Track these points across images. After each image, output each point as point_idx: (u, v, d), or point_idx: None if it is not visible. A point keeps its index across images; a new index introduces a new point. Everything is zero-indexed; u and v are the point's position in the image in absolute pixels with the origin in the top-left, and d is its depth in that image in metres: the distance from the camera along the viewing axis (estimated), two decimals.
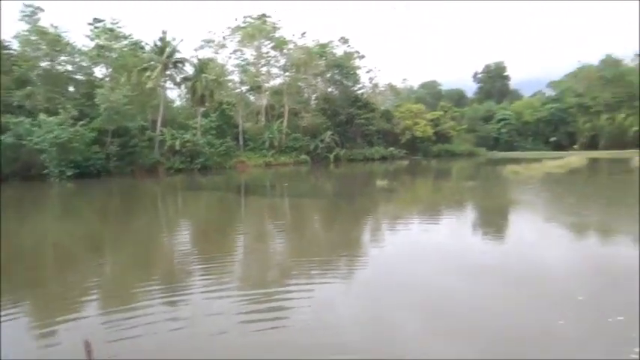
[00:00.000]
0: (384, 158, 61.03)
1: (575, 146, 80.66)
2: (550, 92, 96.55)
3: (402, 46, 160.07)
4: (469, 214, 16.14)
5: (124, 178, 33.86)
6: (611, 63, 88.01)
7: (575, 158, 46.96)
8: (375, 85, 73.87)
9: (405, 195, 23.32)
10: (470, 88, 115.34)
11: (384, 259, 9.14)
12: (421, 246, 10.11)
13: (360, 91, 67.71)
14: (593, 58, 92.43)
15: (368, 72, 69.56)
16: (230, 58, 57.70)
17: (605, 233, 11.51)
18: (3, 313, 6.16)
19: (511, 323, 5.49)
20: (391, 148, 64.46)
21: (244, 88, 59.73)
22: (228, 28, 56.14)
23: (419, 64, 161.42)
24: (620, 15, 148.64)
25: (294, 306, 6.41)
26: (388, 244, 10.79)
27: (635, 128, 76.72)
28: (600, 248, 10.10)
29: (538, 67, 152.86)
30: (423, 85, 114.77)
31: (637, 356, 4.23)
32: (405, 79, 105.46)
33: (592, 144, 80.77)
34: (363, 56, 66.02)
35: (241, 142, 51.05)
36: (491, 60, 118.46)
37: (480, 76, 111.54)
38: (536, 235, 11.27)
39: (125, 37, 44.86)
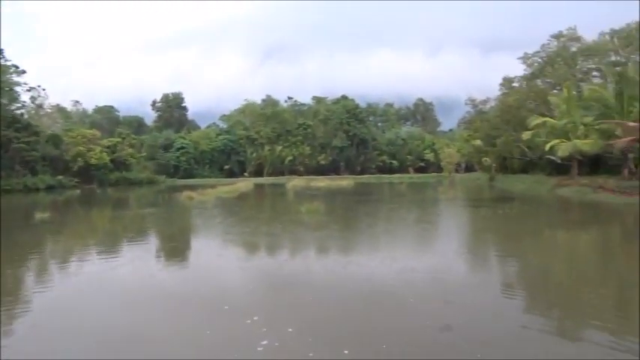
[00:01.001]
0: (51, 188, 54.14)
1: (245, 173, 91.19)
2: (223, 125, 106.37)
3: (74, 68, 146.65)
4: (149, 242, 16.14)
5: None
6: (270, 102, 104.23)
7: (244, 184, 53.31)
8: (39, 106, 65.52)
9: (77, 227, 21.40)
10: (149, 116, 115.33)
11: (53, 302, 8.09)
12: (98, 281, 9.49)
13: (19, 111, 58.66)
14: (257, 97, 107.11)
15: (29, 90, 61.16)
16: None
17: (262, 248, 13.60)
18: None
19: (184, 344, 5.92)
20: (60, 177, 58.00)
21: None
22: None
23: (95, 88, 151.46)
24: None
25: None
26: (58, 284, 9.61)
27: (290, 158, 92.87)
28: (255, 261, 11.85)
29: (211, 100, 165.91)
30: (99, 110, 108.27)
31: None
32: (77, 102, 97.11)
33: (258, 171, 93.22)
34: (23, 71, 57.62)
35: None
36: (171, 90, 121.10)
37: (158, 105, 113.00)
38: (209, 256, 12.34)
39: None
